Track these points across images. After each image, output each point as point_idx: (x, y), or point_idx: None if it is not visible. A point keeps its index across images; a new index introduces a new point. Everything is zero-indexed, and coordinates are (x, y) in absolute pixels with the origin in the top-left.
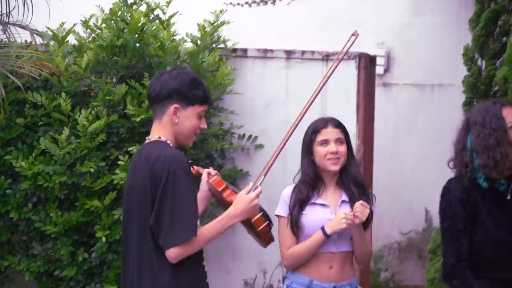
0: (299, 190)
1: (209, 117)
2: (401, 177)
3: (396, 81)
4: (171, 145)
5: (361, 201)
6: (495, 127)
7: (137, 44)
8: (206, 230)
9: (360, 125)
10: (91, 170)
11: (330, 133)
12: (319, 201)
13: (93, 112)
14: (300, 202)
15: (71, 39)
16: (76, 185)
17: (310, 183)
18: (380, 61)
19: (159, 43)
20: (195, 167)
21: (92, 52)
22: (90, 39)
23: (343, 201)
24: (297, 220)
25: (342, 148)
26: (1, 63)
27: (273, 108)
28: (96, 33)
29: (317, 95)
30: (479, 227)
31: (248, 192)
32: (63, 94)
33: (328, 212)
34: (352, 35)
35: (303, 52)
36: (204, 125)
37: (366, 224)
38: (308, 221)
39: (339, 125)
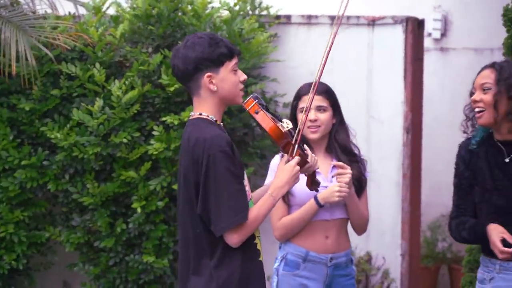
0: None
1: (249, 85)
2: None
3: (453, 46)
4: (214, 119)
5: (339, 164)
6: None
7: (172, 13)
8: (259, 207)
9: (408, 92)
10: (125, 140)
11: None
12: None
13: (127, 82)
14: None
15: (113, 11)
16: (111, 156)
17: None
18: (436, 25)
19: (193, 12)
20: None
21: (127, 22)
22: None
23: (334, 167)
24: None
25: (323, 116)
26: (36, 34)
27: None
28: (134, 2)
29: (326, 60)
30: (478, 187)
31: (286, 162)
32: (97, 65)
33: (321, 179)
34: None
35: (348, 18)
36: (243, 76)
37: (360, 190)
38: (300, 189)
39: (323, 91)
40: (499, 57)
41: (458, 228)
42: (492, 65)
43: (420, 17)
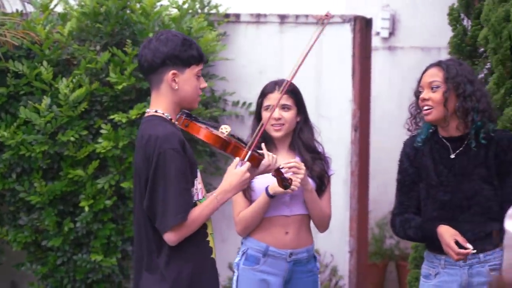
0: None
1: None
2: None
3: (401, 45)
4: (169, 117)
5: (294, 161)
6: None
7: (120, 11)
8: (202, 208)
9: (356, 90)
10: (72, 138)
11: (275, 98)
12: None
13: (74, 80)
14: None
15: (60, 8)
16: (59, 155)
17: (260, 147)
18: (385, 24)
19: (141, 10)
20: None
21: (75, 20)
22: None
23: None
24: (249, 184)
25: (287, 115)
26: None
27: (267, 74)
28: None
29: (296, 71)
30: (424, 184)
31: (236, 166)
32: (44, 63)
33: None
34: (326, 15)
35: (297, 16)
36: (204, 84)
37: (322, 187)
38: (261, 184)
39: (288, 90)
40: (445, 55)
41: (404, 226)
42: (438, 64)
43: (368, 16)
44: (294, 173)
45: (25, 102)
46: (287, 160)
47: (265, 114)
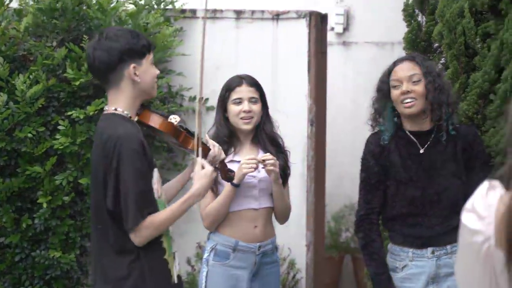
0: None
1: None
2: (362, 137)
3: (355, 40)
4: (129, 115)
5: (267, 154)
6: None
7: (77, 7)
8: (170, 211)
9: (312, 85)
10: (29, 135)
11: (243, 91)
12: (236, 158)
13: (31, 76)
14: None
15: (16, 4)
16: (16, 151)
17: (225, 141)
18: (339, 19)
19: (98, 6)
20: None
21: (31, 16)
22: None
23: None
24: (215, 178)
25: (255, 107)
26: None
27: (223, 69)
28: None
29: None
30: (392, 181)
31: (202, 167)
32: (0, 59)
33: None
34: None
35: (252, 12)
36: (157, 71)
37: (285, 180)
38: None
39: (253, 83)
40: (399, 51)
41: (367, 244)
42: (412, 58)
43: (323, 11)
44: (273, 165)
45: None
46: (250, 154)
47: (233, 108)
